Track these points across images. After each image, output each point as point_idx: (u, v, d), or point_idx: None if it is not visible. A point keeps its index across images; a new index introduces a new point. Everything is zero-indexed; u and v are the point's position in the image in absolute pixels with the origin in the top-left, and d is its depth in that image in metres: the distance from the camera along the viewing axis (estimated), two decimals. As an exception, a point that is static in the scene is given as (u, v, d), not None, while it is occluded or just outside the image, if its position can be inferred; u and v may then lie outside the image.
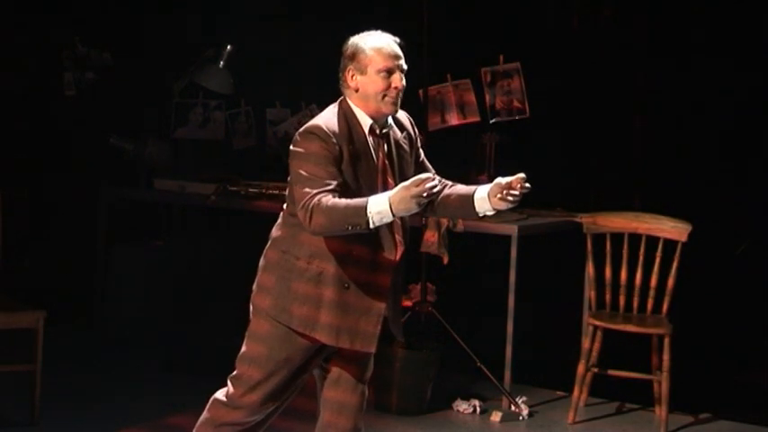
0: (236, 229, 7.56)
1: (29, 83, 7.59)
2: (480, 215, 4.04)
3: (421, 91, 6.60)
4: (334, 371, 4.09)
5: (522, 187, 3.88)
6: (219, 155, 7.95)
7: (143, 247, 7.71)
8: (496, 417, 6.16)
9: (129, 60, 7.87)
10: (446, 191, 4.13)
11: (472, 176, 6.85)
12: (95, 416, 5.86)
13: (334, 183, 3.84)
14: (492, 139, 6.80)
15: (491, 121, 6.87)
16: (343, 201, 3.79)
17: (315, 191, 3.81)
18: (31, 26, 7.52)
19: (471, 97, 6.94)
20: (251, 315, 4.11)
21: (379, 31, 4.00)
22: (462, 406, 6.28)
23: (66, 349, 6.80)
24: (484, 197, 3.98)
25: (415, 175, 4.03)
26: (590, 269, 6.30)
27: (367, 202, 3.75)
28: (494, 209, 3.99)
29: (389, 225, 3.92)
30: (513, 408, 6.24)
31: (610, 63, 7.22)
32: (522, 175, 3.90)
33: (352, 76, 3.95)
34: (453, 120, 6.98)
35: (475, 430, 6.06)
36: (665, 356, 5.97)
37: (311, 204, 3.79)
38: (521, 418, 6.20)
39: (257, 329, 4.05)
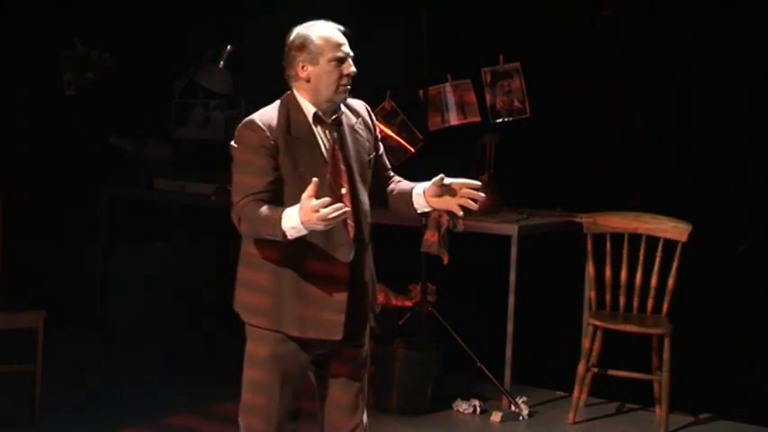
0: (236, 229, 7.55)
1: (29, 83, 7.59)
2: (418, 212, 4.04)
3: (421, 91, 6.60)
4: (330, 372, 4.06)
5: (473, 195, 3.93)
6: (219, 155, 7.94)
7: (143, 247, 7.71)
8: (496, 417, 6.16)
9: (129, 60, 7.87)
10: (391, 186, 4.13)
11: (472, 176, 6.84)
12: (95, 416, 5.86)
13: (263, 184, 3.84)
14: (492, 139, 6.80)
15: (497, 121, 6.86)
16: (263, 211, 3.80)
17: (242, 196, 3.85)
18: (31, 26, 7.52)
19: (471, 97, 6.94)
20: None
21: (321, 20, 3.99)
22: (462, 406, 6.28)
23: (67, 349, 6.80)
24: (420, 193, 4.01)
25: (377, 163, 4.08)
26: (590, 269, 6.30)
27: (281, 218, 3.76)
28: (429, 206, 4.01)
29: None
30: (513, 408, 6.24)
31: (610, 63, 7.22)
32: (473, 182, 3.95)
33: (302, 67, 3.92)
34: (453, 120, 6.98)
35: (475, 430, 6.06)
36: (665, 356, 5.97)
37: (237, 211, 3.86)
38: (521, 418, 6.20)
39: (246, 329, 4.05)
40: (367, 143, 4.06)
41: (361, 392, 4.11)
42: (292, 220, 3.74)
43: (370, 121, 4.11)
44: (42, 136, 7.65)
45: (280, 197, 3.88)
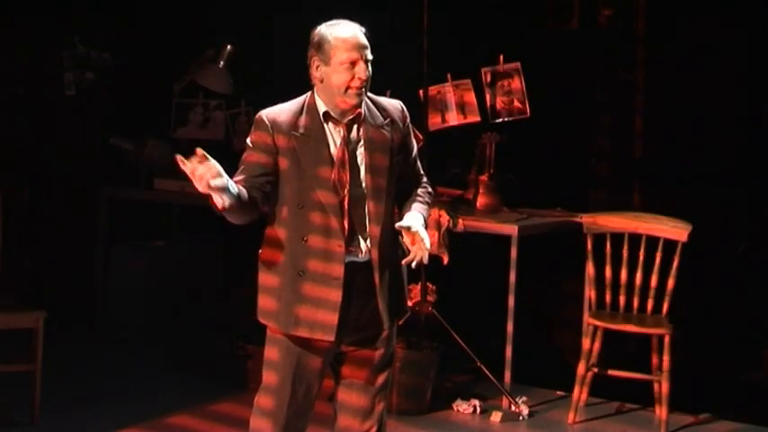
0: (236, 229, 7.55)
1: (29, 83, 7.60)
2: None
3: (421, 91, 6.60)
4: (347, 374, 4.05)
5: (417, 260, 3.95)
6: (219, 155, 7.93)
7: (143, 247, 7.71)
8: (496, 417, 6.16)
9: (129, 60, 7.87)
10: (413, 194, 4.11)
11: (472, 176, 6.86)
12: (95, 416, 5.86)
13: (246, 176, 3.92)
14: (492, 139, 6.80)
15: (496, 121, 6.86)
16: None
17: None
18: (31, 26, 7.53)
19: (471, 97, 6.94)
20: None
21: (345, 20, 3.92)
22: (462, 406, 6.28)
23: (67, 349, 6.80)
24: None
25: (404, 166, 4.03)
26: (590, 269, 6.29)
27: None
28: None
29: (340, 215, 3.87)
30: (513, 408, 6.24)
31: (610, 63, 7.22)
32: (426, 248, 3.94)
33: (317, 67, 3.89)
34: (453, 120, 6.97)
35: (475, 430, 6.06)
36: (665, 356, 5.97)
37: None
38: (521, 418, 6.20)
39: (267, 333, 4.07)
40: (390, 143, 3.95)
41: (379, 396, 4.07)
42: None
43: (401, 123, 4.01)
44: (42, 136, 7.65)
45: (275, 192, 3.92)
